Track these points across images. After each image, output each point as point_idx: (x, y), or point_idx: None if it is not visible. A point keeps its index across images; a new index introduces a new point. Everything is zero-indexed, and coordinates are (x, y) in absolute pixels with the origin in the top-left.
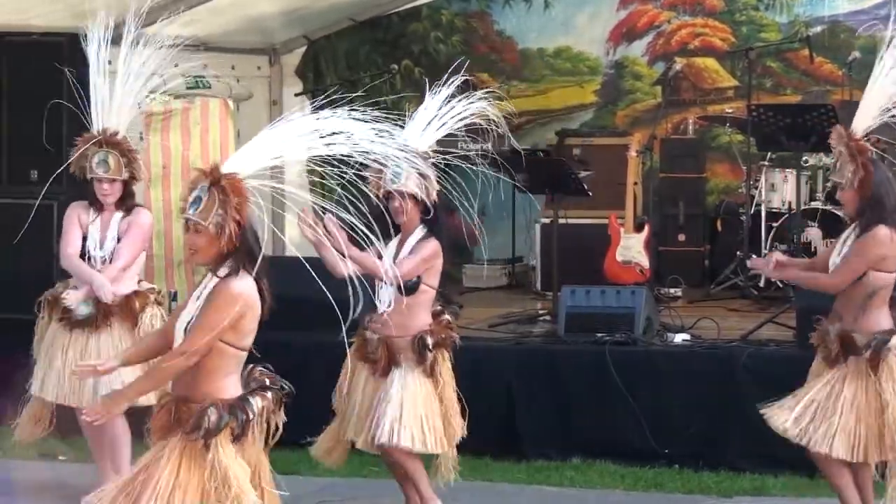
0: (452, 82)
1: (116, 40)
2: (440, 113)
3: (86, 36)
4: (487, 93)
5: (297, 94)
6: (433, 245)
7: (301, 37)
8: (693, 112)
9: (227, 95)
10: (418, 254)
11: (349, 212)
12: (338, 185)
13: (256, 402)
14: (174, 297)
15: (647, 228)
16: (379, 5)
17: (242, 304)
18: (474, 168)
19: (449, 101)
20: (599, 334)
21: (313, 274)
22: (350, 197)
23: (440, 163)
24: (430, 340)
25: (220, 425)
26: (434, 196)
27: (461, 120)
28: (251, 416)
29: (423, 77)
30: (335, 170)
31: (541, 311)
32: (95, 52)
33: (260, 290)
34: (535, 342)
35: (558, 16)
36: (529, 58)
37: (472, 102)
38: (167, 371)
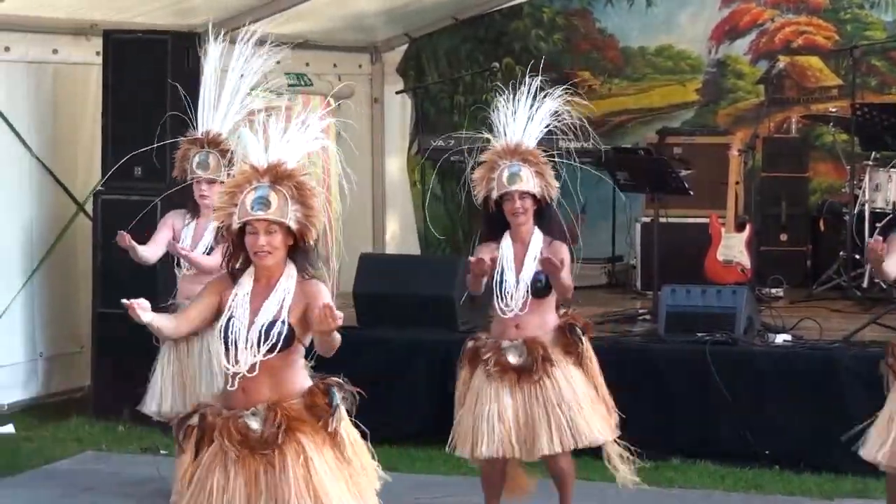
0: (534, 79)
1: (217, 39)
2: (534, 109)
3: (191, 35)
4: (566, 90)
5: (398, 92)
6: (567, 249)
7: (403, 35)
8: (796, 111)
9: (328, 93)
10: (567, 263)
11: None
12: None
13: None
14: None
15: (748, 228)
16: (480, 3)
17: None
18: (574, 166)
19: (537, 98)
20: (700, 334)
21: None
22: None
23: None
24: (579, 328)
25: (348, 399)
26: (553, 194)
27: (551, 118)
28: (349, 393)
29: (524, 75)
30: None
31: (641, 311)
32: (208, 53)
33: None
34: (634, 341)
35: (660, 14)
36: (631, 56)
37: (554, 100)
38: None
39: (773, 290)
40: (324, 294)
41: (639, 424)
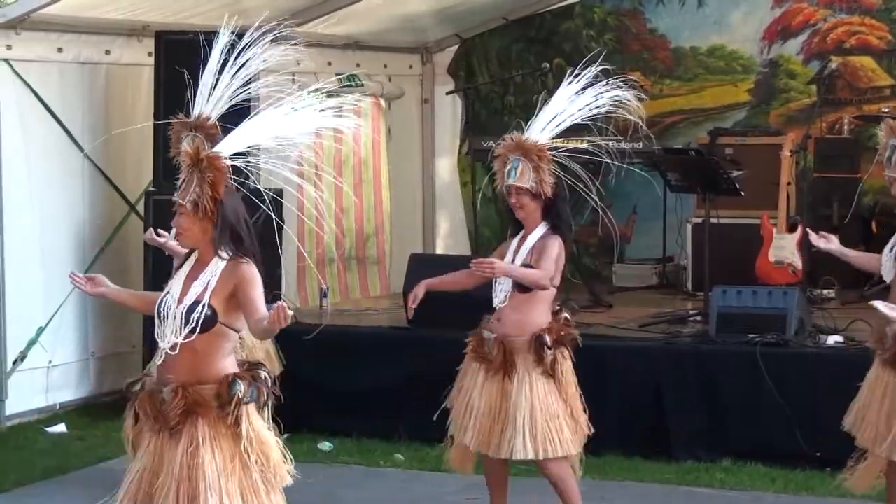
0: (586, 73)
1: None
2: (571, 104)
3: (242, 36)
4: (624, 81)
5: (448, 93)
6: (558, 242)
7: (453, 35)
8: (848, 111)
9: (379, 94)
10: (547, 254)
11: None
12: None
13: (264, 372)
14: (325, 294)
15: (800, 228)
16: (531, 4)
17: None
18: (626, 167)
19: (582, 91)
20: (751, 335)
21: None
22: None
23: (594, 160)
24: (548, 339)
25: (253, 394)
26: (547, 190)
27: (595, 109)
28: (269, 384)
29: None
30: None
31: (692, 312)
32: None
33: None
34: (685, 342)
35: (712, 14)
36: (682, 56)
37: (607, 91)
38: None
39: (825, 292)
40: (252, 280)
41: (689, 425)
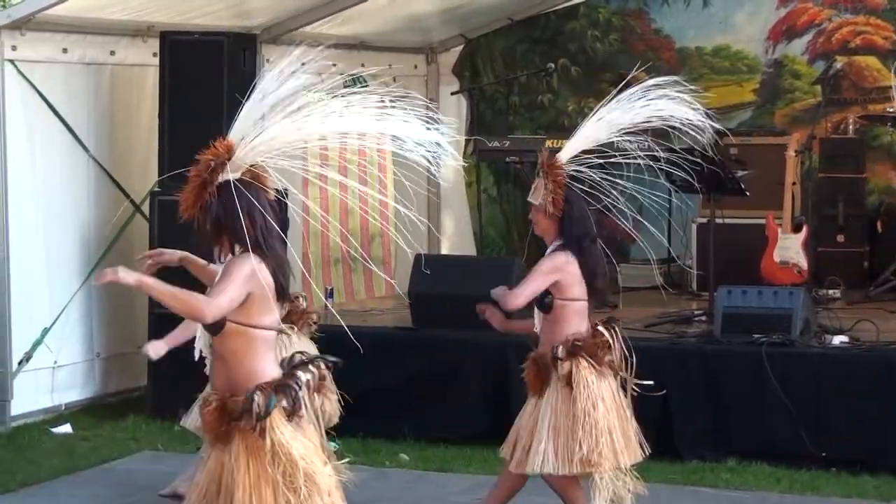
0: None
1: (272, 41)
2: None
3: (247, 36)
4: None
5: (453, 93)
6: (553, 258)
7: (458, 35)
8: (853, 111)
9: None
10: (534, 270)
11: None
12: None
13: (302, 376)
14: (331, 294)
15: (805, 229)
16: (536, 4)
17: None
18: (631, 166)
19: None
20: (756, 335)
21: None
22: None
23: (598, 161)
24: (561, 350)
25: (271, 406)
26: (550, 207)
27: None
28: (300, 391)
29: (579, 76)
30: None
31: (697, 312)
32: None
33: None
34: (690, 343)
35: (717, 14)
36: (687, 56)
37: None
38: (188, 303)
39: (830, 292)
40: (233, 266)
41: (694, 425)
